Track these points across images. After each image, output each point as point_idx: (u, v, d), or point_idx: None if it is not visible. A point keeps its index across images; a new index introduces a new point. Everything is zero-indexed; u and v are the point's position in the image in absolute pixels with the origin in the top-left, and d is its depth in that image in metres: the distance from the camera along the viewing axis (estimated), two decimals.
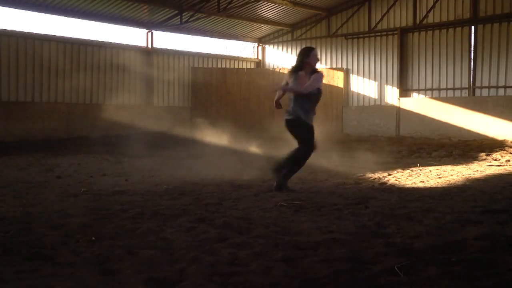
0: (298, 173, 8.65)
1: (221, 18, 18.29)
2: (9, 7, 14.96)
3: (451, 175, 8.53)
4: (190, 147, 12.74)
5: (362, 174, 8.56)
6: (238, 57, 21.96)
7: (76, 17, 16.12)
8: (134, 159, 11.18)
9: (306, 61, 6.51)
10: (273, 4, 17.51)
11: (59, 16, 16.14)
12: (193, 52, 19.80)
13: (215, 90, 19.02)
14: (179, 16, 17.07)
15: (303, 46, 8.03)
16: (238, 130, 14.58)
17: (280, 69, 19.47)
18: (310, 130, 6.54)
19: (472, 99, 15.91)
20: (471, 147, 13.46)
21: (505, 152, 12.31)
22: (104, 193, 6.54)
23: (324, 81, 18.76)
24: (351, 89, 18.78)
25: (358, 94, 18.63)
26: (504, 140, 14.44)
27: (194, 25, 18.48)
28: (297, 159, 6.57)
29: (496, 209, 5.18)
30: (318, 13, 19.14)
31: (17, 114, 14.73)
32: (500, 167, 9.79)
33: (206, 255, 3.56)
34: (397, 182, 7.70)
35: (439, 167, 9.81)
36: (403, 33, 17.47)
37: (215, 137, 12.86)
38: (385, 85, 17.98)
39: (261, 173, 8.31)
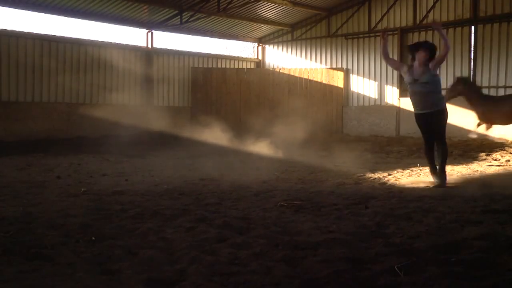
0: (298, 173, 8.69)
1: (221, 18, 18.27)
2: (9, 7, 14.95)
3: (451, 175, 8.53)
4: (190, 147, 12.73)
5: (362, 174, 8.55)
6: (238, 57, 21.93)
7: (76, 17, 16.10)
8: (134, 159, 11.17)
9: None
10: (273, 4, 17.50)
11: (59, 16, 16.14)
12: (193, 52, 19.77)
13: (215, 90, 19.01)
14: (179, 16, 17.06)
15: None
16: (237, 130, 14.57)
17: (280, 69, 19.45)
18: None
19: None
20: (471, 147, 13.44)
21: (505, 152, 12.30)
22: (104, 193, 6.54)
23: (324, 81, 18.89)
24: (351, 89, 18.76)
25: (358, 94, 18.62)
26: (504, 140, 14.41)
27: (194, 25, 18.46)
28: (445, 154, 7.27)
29: (496, 209, 5.18)
30: (318, 13, 19.12)
31: (17, 114, 14.71)
32: (500, 167, 9.79)
33: (206, 255, 3.56)
34: (397, 182, 7.71)
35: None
36: (403, 33, 17.45)
37: (215, 137, 12.85)
38: (385, 85, 17.96)
39: (261, 172, 8.31)
